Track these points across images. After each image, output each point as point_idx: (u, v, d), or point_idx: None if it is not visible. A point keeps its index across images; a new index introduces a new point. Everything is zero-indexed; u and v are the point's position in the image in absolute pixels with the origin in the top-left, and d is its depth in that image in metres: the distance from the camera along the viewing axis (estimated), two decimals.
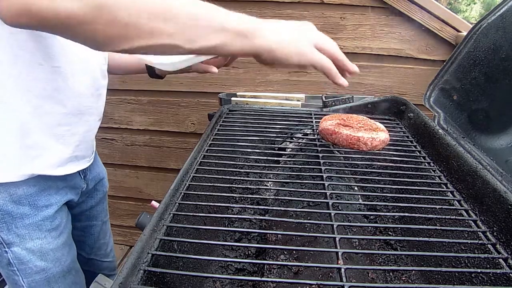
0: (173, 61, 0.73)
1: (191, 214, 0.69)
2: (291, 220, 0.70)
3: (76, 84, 0.73)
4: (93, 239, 1.06)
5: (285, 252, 0.73)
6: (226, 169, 0.98)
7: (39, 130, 0.69)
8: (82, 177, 0.88)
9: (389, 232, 0.93)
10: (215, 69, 0.80)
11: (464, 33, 1.23)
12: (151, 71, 0.91)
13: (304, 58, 0.57)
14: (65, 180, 0.80)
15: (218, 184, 0.75)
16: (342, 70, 0.62)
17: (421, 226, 0.79)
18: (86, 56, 0.75)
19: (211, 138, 0.95)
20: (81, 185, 0.88)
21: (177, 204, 0.66)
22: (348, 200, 0.86)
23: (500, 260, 0.57)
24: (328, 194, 0.70)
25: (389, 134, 0.92)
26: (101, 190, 1.02)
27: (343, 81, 0.62)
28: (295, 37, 0.56)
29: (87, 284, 1.10)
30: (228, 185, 0.79)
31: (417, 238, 0.70)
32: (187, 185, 0.73)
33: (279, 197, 0.88)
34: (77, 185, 0.86)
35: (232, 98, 1.26)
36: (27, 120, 0.67)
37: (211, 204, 0.77)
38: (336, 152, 0.95)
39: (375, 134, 0.88)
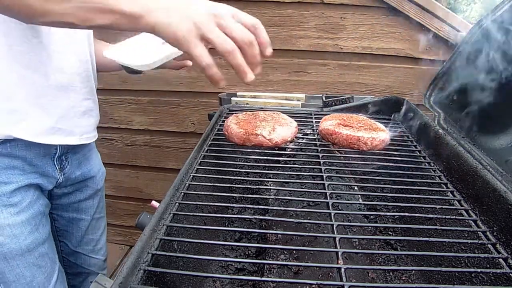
0: (145, 63, 0.78)
1: (191, 214, 0.69)
2: (291, 220, 0.70)
3: (60, 60, 0.80)
4: (80, 233, 1.08)
5: (285, 252, 0.73)
6: (226, 169, 0.98)
7: (23, 97, 0.75)
8: (58, 168, 0.90)
9: (389, 232, 0.93)
10: (189, 62, 0.86)
11: (464, 33, 1.23)
12: (127, 69, 0.93)
13: (193, 41, 0.55)
14: (34, 166, 0.83)
15: (218, 184, 0.75)
16: (254, 57, 0.58)
17: (421, 226, 0.79)
18: (74, 39, 0.83)
19: (211, 138, 0.95)
20: (55, 175, 0.90)
21: (177, 204, 0.66)
22: (348, 200, 0.86)
23: (500, 260, 0.57)
24: (328, 194, 0.70)
25: (389, 134, 0.92)
26: (92, 187, 1.05)
27: (249, 77, 0.57)
28: (186, 16, 0.55)
29: (75, 277, 1.13)
30: (228, 185, 0.79)
31: (417, 238, 0.71)
32: (187, 185, 0.73)
33: (279, 197, 0.88)
34: (49, 174, 0.88)
35: (232, 98, 1.26)
36: (12, 87, 0.74)
37: (211, 204, 0.77)
38: (336, 152, 0.95)
39: (375, 134, 0.88)
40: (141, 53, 0.81)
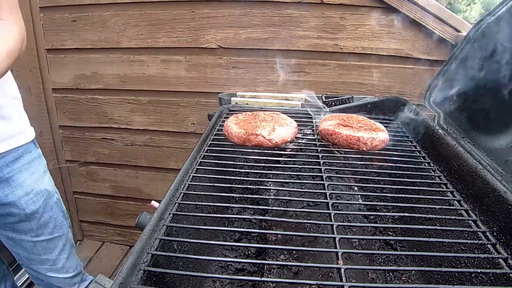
0: None
1: (191, 214, 0.69)
2: (291, 220, 0.70)
3: None
4: (26, 252, 1.06)
5: (285, 252, 0.73)
6: (226, 169, 0.98)
7: None
8: None
9: (389, 232, 0.93)
10: None
11: (464, 33, 1.23)
12: None
13: None
14: None
15: (218, 184, 0.75)
16: None
17: (421, 226, 0.79)
18: None
19: (211, 138, 0.95)
20: None
21: (177, 204, 0.66)
22: (348, 200, 0.86)
23: (500, 260, 0.57)
24: (328, 194, 0.70)
25: (389, 134, 0.92)
26: (17, 213, 0.99)
27: None
28: None
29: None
30: (228, 185, 0.79)
31: (417, 238, 0.70)
32: (187, 185, 0.73)
33: (279, 197, 0.88)
34: None
35: (232, 98, 1.26)
36: None
37: (211, 204, 0.77)
38: (336, 152, 0.95)
39: (375, 134, 0.88)
40: None
